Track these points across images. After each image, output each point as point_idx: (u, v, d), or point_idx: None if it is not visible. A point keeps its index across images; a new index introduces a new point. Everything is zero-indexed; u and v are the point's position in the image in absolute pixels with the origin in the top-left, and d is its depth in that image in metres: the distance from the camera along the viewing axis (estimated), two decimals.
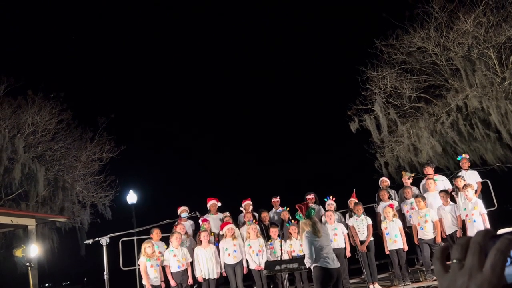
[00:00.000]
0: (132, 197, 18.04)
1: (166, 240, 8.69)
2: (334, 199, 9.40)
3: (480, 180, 9.63)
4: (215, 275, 8.37)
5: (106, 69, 26.21)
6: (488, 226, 8.01)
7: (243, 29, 28.27)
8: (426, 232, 8.48)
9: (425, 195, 9.01)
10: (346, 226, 9.03)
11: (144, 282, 7.99)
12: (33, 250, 10.39)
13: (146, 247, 8.06)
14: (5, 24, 23.36)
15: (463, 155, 10.17)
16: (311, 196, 9.81)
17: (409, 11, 15.65)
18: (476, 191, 8.99)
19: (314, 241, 5.59)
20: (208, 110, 27.38)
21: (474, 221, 8.03)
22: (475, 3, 14.52)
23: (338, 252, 7.87)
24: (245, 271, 8.61)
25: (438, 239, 8.43)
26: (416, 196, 8.88)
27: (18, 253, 10.25)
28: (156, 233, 8.65)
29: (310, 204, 5.61)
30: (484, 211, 8.20)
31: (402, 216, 9.17)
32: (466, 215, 8.18)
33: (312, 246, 5.61)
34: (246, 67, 27.40)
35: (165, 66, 28.78)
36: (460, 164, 9.86)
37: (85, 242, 6.52)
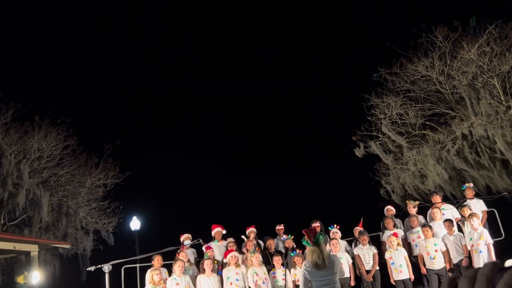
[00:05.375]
0: (135, 224, 17.93)
1: (168, 268, 8.58)
2: (338, 227, 9.29)
3: (486, 209, 9.48)
4: None
5: (113, 96, 26.52)
6: (493, 256, 7.87)
7: (247, 54, 28.67)
8: (436, 262, 8.33)
9: (431, 224, 8.89)
10: (352, 254, 8.91)
11: None
12: (35, 277, 10.31)
13: (153, 274, 7.86)
14: (13, 51, 23.80)
15: (467, 185, 10.05)
16: (316, 224, 9.62)
17: (413, 40, 15.86)
18: (481, 220, 8.87)
19: (311, 273, 5.18)
20: (213, 136, 27.49)
21: (480, 251, 7.89)
22: (478, 32, 14.69)
23: (343, 282, 7.72)
24: None
25: (448, 267, 8.28)
26: (423, 226, 8.75)
27: (20, 279, 10.19)
28: (157, 260, 8.50)
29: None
30: (490, 241, 8.05)
31: (408, 245, 9.04)
32: (472, 245, 8.04)
33: (305, 279, 5.25)
34: (250, 93, 27.69)
35: (172, 94, 29.09)
36: (465, 193, 9.75)
37: (87, 269, 6.46)
